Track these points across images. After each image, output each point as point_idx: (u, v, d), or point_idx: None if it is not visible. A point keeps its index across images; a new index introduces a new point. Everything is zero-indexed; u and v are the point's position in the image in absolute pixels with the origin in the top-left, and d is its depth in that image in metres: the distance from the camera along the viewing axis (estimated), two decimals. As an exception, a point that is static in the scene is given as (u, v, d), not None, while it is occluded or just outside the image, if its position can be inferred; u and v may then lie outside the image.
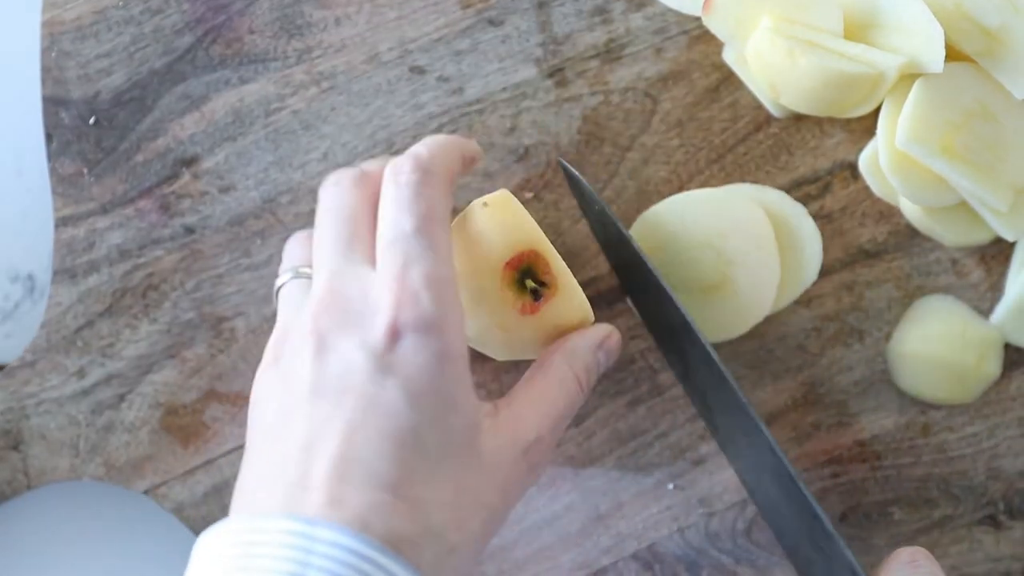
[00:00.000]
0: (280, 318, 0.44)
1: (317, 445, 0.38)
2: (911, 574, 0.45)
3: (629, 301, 0.54)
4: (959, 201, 0.52)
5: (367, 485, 0.37)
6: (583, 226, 0.54)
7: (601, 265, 0.54)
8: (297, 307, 0.43)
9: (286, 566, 0.35)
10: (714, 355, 0.47)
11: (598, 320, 0.50)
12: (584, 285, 0.51)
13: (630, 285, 0.53)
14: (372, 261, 0.42)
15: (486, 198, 0.46)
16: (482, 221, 0.46)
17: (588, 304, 0.48)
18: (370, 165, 0.46)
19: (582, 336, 0.47)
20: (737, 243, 0.52)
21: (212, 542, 0.38)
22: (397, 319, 0.39)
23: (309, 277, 0.44)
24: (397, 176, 0.43)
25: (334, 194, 0.44)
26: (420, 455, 0.38)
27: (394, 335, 0.39)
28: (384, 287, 0.40)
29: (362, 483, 0.37)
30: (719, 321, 0.52)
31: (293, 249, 0.47)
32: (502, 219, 0.46)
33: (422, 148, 0.44)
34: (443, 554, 0.38)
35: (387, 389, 0.38)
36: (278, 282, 0.46)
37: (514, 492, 0.42)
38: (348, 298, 0.41)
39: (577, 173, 0.51)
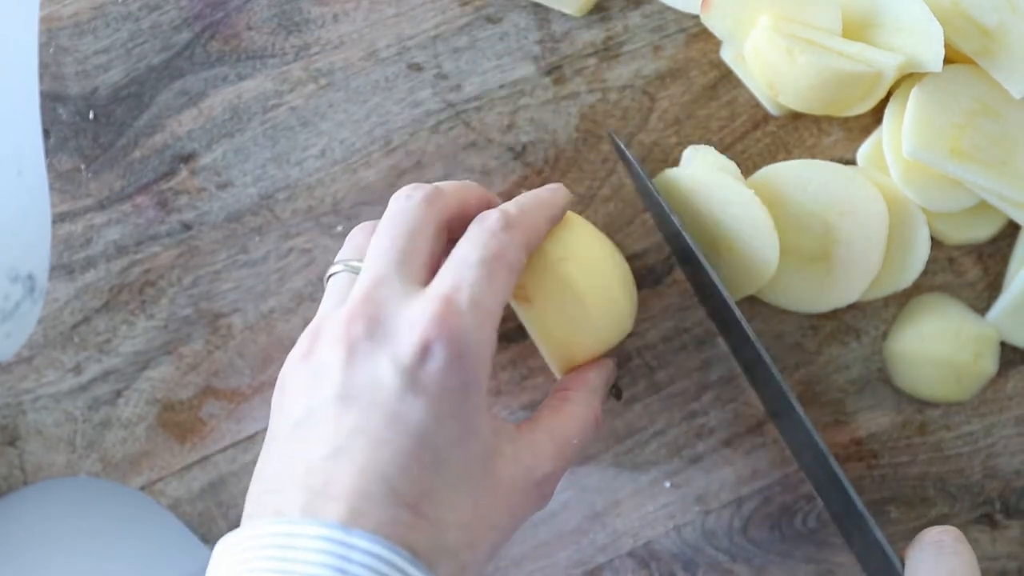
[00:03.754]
0: (322, 307, 0.44)
1: (342, 456, 0.39)
2: (935, 556, 0.45)
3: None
4: (977, 202, 0.52)
5: (388, 500, 0.38)
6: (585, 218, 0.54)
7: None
8: (339, 302, 0.43)
9: (325, 572, 0.36)
10: (765, 356, 0.48)
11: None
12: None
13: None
14: (421, 281, 0.42)
15: None
16: None
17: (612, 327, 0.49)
18: (447, 185, 0.46)
19: (600, 372, 0.49)
20: (851, 226, 0.51)
21: (239, 544, 0.39)
22: (431, 334, 0.40)
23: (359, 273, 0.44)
24: (481, 222, 0.43)
25: (404, 207, 0.44)
26: (440, 476, 0.39)
27: (425, 351, 0.39)
28: (428, 302, 0.40)
29: (384, 498, 0.38)
30: (805, 293, 0.52)
31: (354, 239, 0.46)
32: None
33: (512, 207, 0.45)
34: (456, 572, 0.39)
35: (414, 409, 0.39)
36: (330, 270, 0.45)
37: (522, 516, 0.44)
38: (385, 309, 0.41)
39: (629, 154, 0.51)
